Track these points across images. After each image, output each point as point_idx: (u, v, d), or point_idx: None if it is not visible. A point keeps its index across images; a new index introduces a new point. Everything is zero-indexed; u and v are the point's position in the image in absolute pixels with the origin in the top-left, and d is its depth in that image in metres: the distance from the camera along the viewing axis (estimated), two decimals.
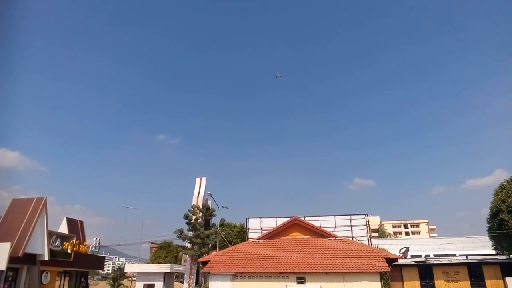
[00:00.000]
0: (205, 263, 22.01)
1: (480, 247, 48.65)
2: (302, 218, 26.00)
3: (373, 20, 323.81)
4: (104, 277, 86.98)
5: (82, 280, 39.02)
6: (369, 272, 18.73)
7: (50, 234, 32.22)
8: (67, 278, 36.81)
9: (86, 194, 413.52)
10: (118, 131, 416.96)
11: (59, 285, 35.68)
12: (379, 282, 18.75)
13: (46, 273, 31.80)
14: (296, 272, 19.46)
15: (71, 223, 38.70)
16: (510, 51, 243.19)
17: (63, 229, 37.25)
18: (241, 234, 53.21)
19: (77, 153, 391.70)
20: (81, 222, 40.41)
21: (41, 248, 29.68)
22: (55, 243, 33.86)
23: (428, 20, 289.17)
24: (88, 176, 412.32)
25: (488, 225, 40.11)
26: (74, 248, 35.04)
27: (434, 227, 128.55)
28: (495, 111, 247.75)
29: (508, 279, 37.14)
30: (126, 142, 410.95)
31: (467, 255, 44.47)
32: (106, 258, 60.99)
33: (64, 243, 34.74)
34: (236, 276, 20.25)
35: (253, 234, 37.29)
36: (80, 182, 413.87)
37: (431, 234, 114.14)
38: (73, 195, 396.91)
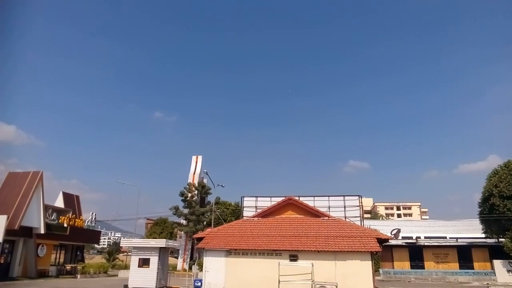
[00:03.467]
0: (200, 239, 22.29)
1: (471, 230, 49.46)
2: (297, 198, 26.24)
3: (375, 9, 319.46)
4: (100, 251, 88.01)
5: (78, 253, 39.56)
6: (361, 251, 19.07)
7: (46, 208, 32.45)
8: (63, 251, 37.34)
9: (83, 170, 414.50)
10: (114, 106, 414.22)
11: (55, 258, 36.22)
12: (370, 262, 19.13)
13: (42, 246, 32.19)
14: (289, 250, 19.80)
15: (67, 197, 38.93)
16: (505, 39, 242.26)
17: (59, 203, 37.49)
18: (236, 212, 53.75)
19: (73, 129, 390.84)
20: (77, 197, 40.65)
21: (37, 221, 29.96)
22: (51, 216, 34.13)
23: (426, 9, 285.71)
24: (85, 152, 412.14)
25: (480, 209, 40.67)
26: (70, 222, 35.36)
27: (426, 210, 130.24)
28: (491, 98, 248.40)
29: (495, 261, 38.02)
30: (122, 119, 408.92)
31: (457, 238, 45.24)
32: (101, 232, 61.57)
33: (60, 217, 35.03)
34: (230, 252, 20.57)
35: (248, 213, 37.64)
36: (77, 157, 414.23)
37: (423, 217, 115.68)
38: (69, 170, 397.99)
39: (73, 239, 36.40)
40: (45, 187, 30.92)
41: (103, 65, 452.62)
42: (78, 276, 32.04)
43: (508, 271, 37.13)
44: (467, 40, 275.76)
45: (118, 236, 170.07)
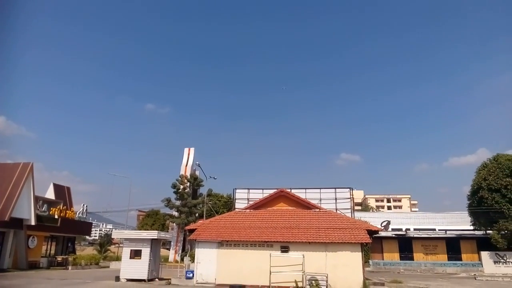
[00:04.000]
0: (192, 231, 22.36)
1: (459, 222, 50.20)
2: (289, 190, 26.36)
3: (368, 3, 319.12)
4: (91, 243, 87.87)
5: (69, 245, 39.44)
6: (351, 243, 19.31)
7: (37, 199, 32.23)
8: (54, 243, 37.17)
9: (74, 161, 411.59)
10: (106, 98, 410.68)
11: (46, 250, 36.04)
12: (360, 253, 19.39)
13: (33, 237, 32.03)
14: (280, 241, 19.97)
15: (58, 189, 38.69)
16: (495, 35, 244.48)
17: (50, 194, 37.25)
18: (228, 204, 53.88)
19: (65, 120, 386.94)
20: (68, 188, 40.42)
21: (28, 213, 29.76)
22: (42, 208, 33.93)
23: (416, 6, 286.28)
24: (76, 144, 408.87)
25: (468, 202, 41.28)
26: (61, 214, 35.18)
27: (416, 202, 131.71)
28: (481, 93, 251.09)
29: (483, 253, 38.72)
30: (114, 110, 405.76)
31: (446, 230, 45.94)
32: (93, 224, 61.36)
33: (51, 208, 34.83)
34: (222, 243, 20.69)
35: (240, 205, 37.67)
36: (68, 149, 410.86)
37: (413, 209, 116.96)
38: (61, 161, 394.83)
39: (64, 230, 36.25)
40: (35, 178, 30.67)
41: (94, 56, 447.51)
42: (69, 267, 31.98)
43: (495, 262, 37.86)
44: (458, 36, 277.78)
45: (110, 228, 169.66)
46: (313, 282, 18.18)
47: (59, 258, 35.15)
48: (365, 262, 31.66)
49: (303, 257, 18.85)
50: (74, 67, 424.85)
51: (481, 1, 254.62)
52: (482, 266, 38.20)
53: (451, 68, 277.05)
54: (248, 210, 24.41)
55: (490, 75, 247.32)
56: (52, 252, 36.64)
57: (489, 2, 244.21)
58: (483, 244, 39.32)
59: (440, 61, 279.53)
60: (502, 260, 37.75)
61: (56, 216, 34.61)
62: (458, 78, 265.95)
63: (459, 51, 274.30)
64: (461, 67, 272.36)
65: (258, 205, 24.57)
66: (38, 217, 31.39)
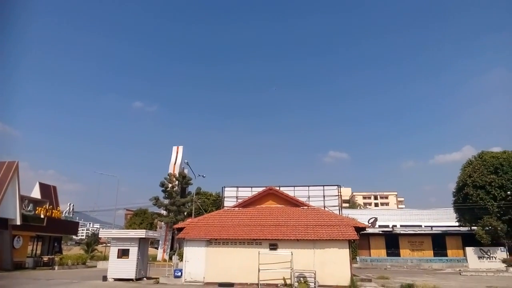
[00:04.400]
0: (180, 229, 22.28)
1: (445, 219, 51.00)
2: (277, 188, 26.47)
3: (358, 5, 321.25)
4: (78, 243, 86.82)
5: (56, 244, 38.96)
6: (339, 239, 19.48)
7: (22, 198, 31.73)
8: (40, 243, 36.67)
9: (61, 160, 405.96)
10: (93, 96, 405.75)
11: (32, 250, 35.55)
12: (348, 250, 19.57)
13: (18, 237, 31.55)
14: (269, 239, 20.03)
15: (44, 188, 38.16)
16: (477, 34, 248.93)
17: (36, 194, 36.72)
18: (217, 202, 53.82)
19: (51, 119, 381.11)
20: (54, 188, 39.91)
21: (13, 212, 29.31)
22: (28, 207, 33.41)
23: (403, 8, 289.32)
24: (63, 142, 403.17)
25: (454, 199, 41.97)
26: (47, 213, 34.72)
27: (402, 199, 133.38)
28: (466, 92, 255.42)
29: (467, 249, 39.45)
30: (101, 108, 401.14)
31: (431, 227, 46.62)
32: (80, 223, 60.68)
33: (37, 208, 34.33)
34: (210, 242, 20.66)
35: (228, 203, 37.77)
36: (54, 148, 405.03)
37: (399, 206, 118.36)
38: (47, 160, 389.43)
39: (50, 230, 35.79)
40: (21, 177, 30.22)
41: (81, 54, 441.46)
42: (56, 267, 31.60)
43: (479, 257, 38.61)
44: (444, 35, 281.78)
45: (97, 227, 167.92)
46: (301, 279, 18.29)
47: (45, 258, 34.69)
48: (353, 258, 32.00)
49: (292, 254, 18.94)
50: (60, 64, 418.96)
51: (464, 1, 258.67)
52: (467, 262, 38.92)
53: (437, 68, 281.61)
54: (237, 208, 24.42)
55: (474, 74, 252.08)
56: (38, 252, 36.15)
57: (472, 1, 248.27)
58: (468, 240, 40.04)
59: (427, 60, 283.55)
60: (486, 256, 38.52)
61: (42, 216, 34.14)
62: (443, 77, 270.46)
63: (445, 51, 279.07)
64: (447, 66, 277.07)
65: (247, 203, 24.59)
66: (24, 217, 30.93)
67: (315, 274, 18.43)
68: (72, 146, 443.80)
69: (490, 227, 36.76)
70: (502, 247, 37.99)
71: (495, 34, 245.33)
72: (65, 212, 46.64)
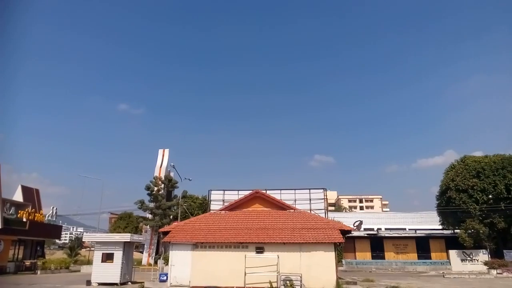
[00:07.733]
0: (166, 233, 22.11)
1: (428, 222, 51.74)
2: (264, 191, 26.47)
3: (348, 10, 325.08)
4: (61, 247, 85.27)
5: (38, 249, 38.28)
6: (324, 242, 19.59)
7: (4, 202, 31.15)
8: (22, 247, 35.93)
9: (44, 163, 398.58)
10: (77, 97, 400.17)
11: (14, 254, 34.82)
12: (333, 252, 19.70)
13: (0, 241, 30.89)
14: (255, 242, 20.03)
15: (27, 191, 37.49)
16: (458, 40, 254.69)
17: (18, 197, 36.07)
18: (203, 206, 53.54)
19: (34, 121, 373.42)
20: (37, 191, 39.23)
21: None
22: (9, 211, 32.79)
23: (387, 13, 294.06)
24: (46, 145, 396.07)
25: (437, 202, 42.61)
26: (30, 217, 34.12)
27: (387, 202, 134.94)
28: (449, 97, 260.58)
29: (451, 251, 40.02)
30: (85, 110, 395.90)
31: (415, 229, 47.21)
32: (63, 227, 59.70)
33: (19, 211, 33.72)
34: (196, 245, 20.55)
35: (215, 206, 37.51)
36: (38, 150, 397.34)
37: (384, 209, 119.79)
38: (30, 163, 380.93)
39: (33, 234, 35.13)
40: (3, 180, 29.72)
41: (64, 55, 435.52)
42: (38, 272, 31.03)
43: (462, 260, 39.21)
44: (427, 41, 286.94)
45: (81, 231, 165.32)
46: (288, 282, 18.34)
47: (28, 263, 34.00)
48: (338, 261, 32.15)
49: (278, 257, 18.99)
50: (43, 66, 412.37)
51: (445, 6, 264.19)
52: (450, 264, 39.47)
53: (420, 74, 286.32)
54: (223, 212, 24.37)
55: (456, 79, 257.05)
56: (20, 256, 35.40)
57: (453, 7, 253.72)
58: (451, 243, 40.62)
59: (410, 67, 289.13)
60: (468, 258, 39.13)
61: (24, 219, 33.52)
62: (426, 83, 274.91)
63: (427, 57, 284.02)
64: (429, 72, 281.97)
65: (234, 207, 24.56)
66: (5, 220, 30.32)
67: (301, 277, 18.50)
68: (56, 148, 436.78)
69: (472, 230, 37.37)
70: (484, 250, 38.62)
71: (476, 40, 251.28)
72: (48, 216, 45.96)
